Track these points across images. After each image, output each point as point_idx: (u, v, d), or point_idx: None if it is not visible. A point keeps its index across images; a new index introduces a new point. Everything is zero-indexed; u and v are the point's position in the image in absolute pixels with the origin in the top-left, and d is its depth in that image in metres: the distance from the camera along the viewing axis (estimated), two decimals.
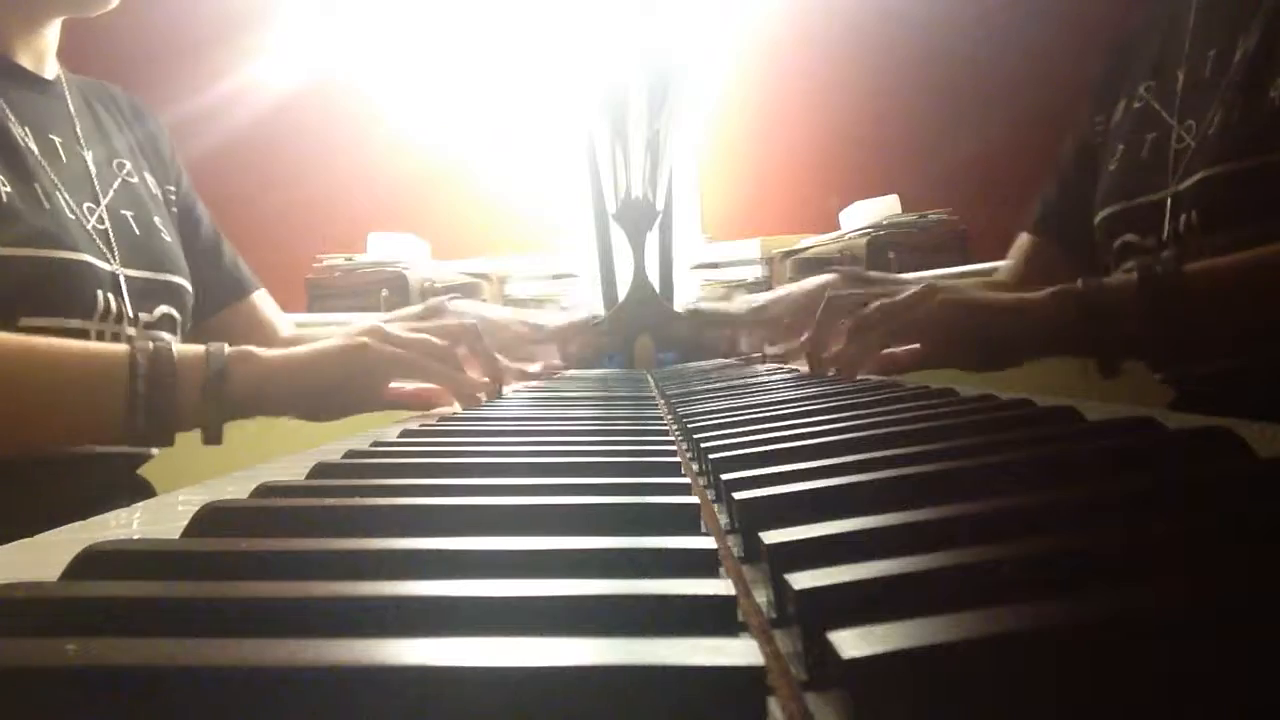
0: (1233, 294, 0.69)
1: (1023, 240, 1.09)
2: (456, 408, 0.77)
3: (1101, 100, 1.01)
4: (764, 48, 2.06)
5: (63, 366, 0.69)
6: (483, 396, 0.79)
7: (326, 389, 0.73)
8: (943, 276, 1.50)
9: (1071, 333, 0.72)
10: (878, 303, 0.78)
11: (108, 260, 0.85)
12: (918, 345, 0.81)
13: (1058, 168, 1.06)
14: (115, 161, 0.93)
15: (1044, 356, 0.76)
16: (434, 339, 0.78)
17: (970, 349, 0.76)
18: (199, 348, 0.71)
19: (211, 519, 0.30)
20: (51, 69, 0.92)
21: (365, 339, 0.75)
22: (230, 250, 1.06)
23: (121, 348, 0.70)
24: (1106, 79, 1.02)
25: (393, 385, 0.77)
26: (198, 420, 0.70)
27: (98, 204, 0.88)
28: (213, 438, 0.71)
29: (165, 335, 0.88)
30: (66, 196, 0.84)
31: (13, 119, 0.83)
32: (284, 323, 1.09)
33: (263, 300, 1.07)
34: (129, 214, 0.91)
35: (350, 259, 1.78)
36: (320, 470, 0.41)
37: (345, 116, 2.06)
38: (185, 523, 0.30)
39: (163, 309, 0.90)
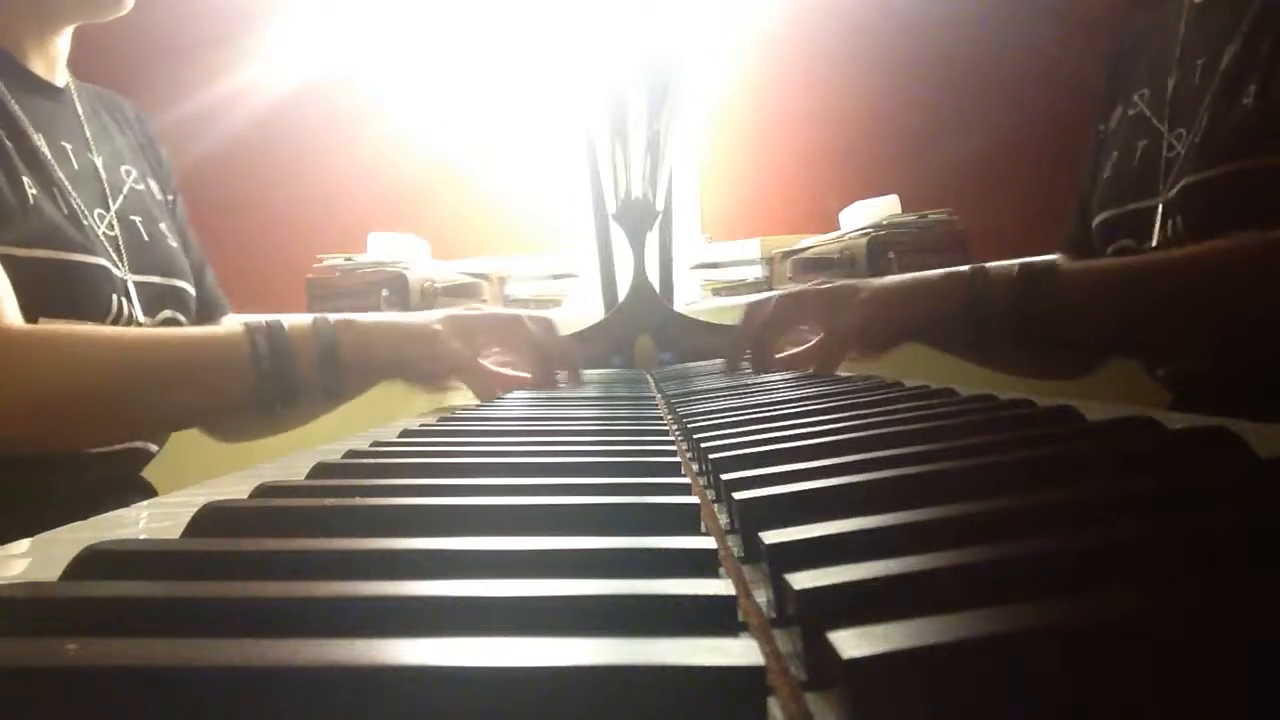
0: (1099, 295, 0.71)
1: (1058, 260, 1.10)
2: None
3: (1102, 109, 1.02)
4: (764, 48, 2.06)
5: (191, 351, 0.77)
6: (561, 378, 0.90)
7: (419, 355, 0.82)
8: None
9: (951, 313, 0.74)
10: (779, 294, 0.86)
11: (118, 266, 0.86)
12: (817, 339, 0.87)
13: (1076, 185, 1.07)
14: (123, 168, 0.94)
15: (927, 336, 0.79)
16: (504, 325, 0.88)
17: (866, 328, 0.80)
18: (305, 320, 0.79)
19: (211, 519, 0.30)
20: (62, 76, 0.93)
21: (443, 321, 0.83)
22: (211, 275, 1.08)
23: (236, 328, 0.77)
24: (1107, 86, 1.02)
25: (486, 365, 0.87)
26: (316, 383, 0.78)
27: (108, 210, 0.89)
28: (335, 394, 0.79)
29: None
30: (80, 202, 0.85)
31: (29, 125, 0.84)
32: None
33: (229, 321, 1.10)
34: (137, 219, 0.92)
35: (350, 259, 1.78)
36: (320, 470, 0.41)
37: (345, 116, 2.06)
38: (185, 523, 0.30)
39: (167, 312, 0.91)
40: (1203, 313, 0.68)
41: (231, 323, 1.10)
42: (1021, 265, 0.72)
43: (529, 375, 0.91)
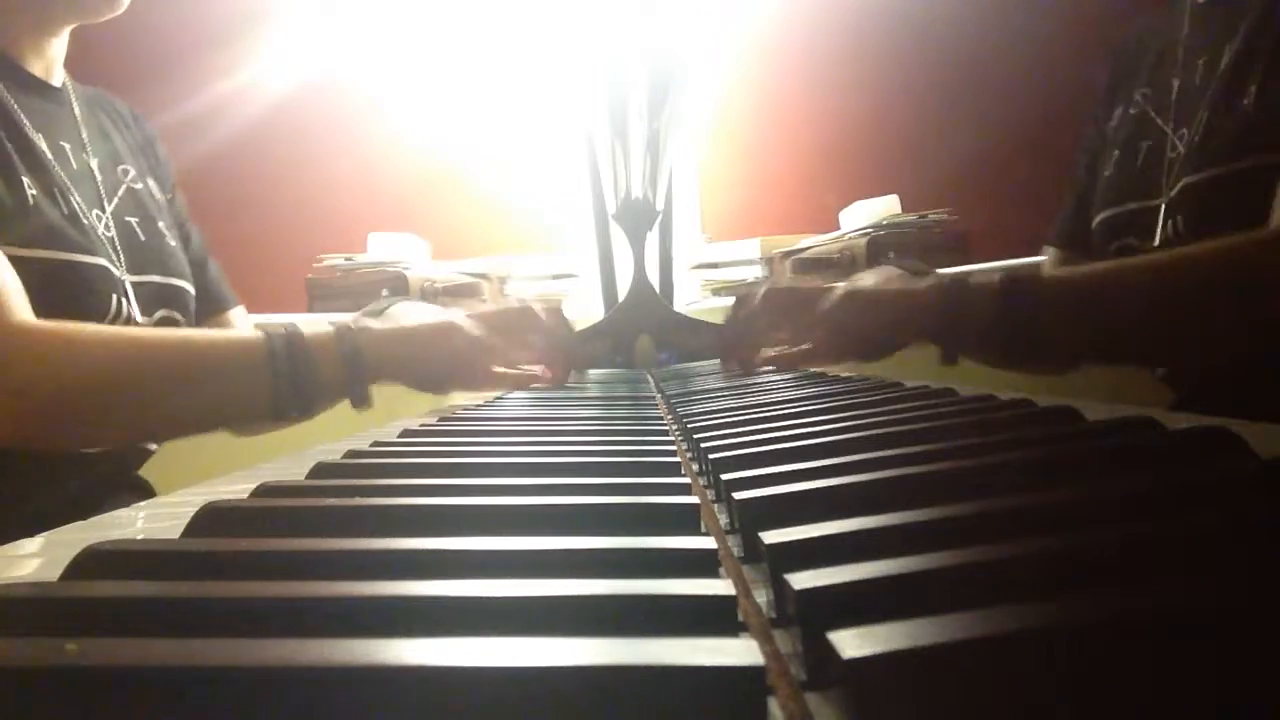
0: (1081, 304, 0.70)
1: (1051, 253, 1.10)
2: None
3: (1104, 107, 1.02)
4: (764, 48, 2.06)
5: (209, 356, 0.74)
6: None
7: (431, 359, 0.80)
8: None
9: (931, 321, 0.73)
10: (764, 290, 0.85)
11: (116, 266, 0.86)
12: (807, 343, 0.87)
13: (1071, 179, 1.07)
14: (120, 168, 0.94)
15: (910, 342, 0.78)
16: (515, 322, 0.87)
17: (854, 338, 0.80)
18: (324, 327, 0.76)
19: (211, 519, 0.30)
20: (59, 77, 0.93)
21: (454, 321, 0.82)
22: (216, 268, 1.07)
23: (255, 334, 0.74)
24: (1108, 85, 1.02)
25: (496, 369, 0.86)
26: (337, 391, 0.75)
27: (104, 210, 0.88)
28: (360, 401, 0.76)
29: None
30: (79, 202, 0.85)
31: (28, 125, 0.84)
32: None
33: (239, 316, 1.09)
34: (133, 220, 0.91)
35: (350, 259, 1.78)
36: (320, 470, 0.41)
37: (345, 116, 2.06)
38: (185, 523, 0.30)
39: (164, 312, 0.91)
40: (1192, 315, 0.67)
41: (246, 326, 1.10)
42: (1003, 277, 0.70)
43: (543, 374, 0.90)
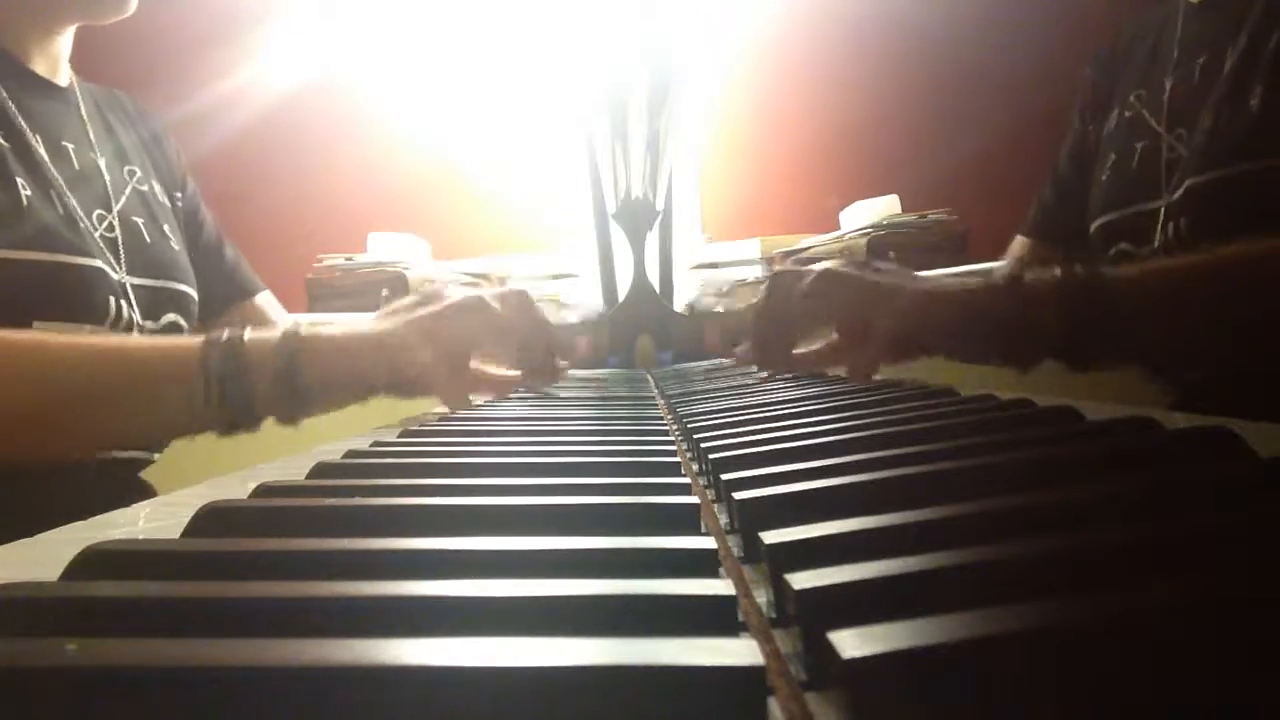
0: (1150, 302, 0.67)
1: (1018, 243, 1.09)
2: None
3: (1094, 107, 1.01)
4: (764, 48, 2.06)
5: (146, 366, 0.69)
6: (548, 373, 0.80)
7: (384, 374, 0.72)
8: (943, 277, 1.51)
9: (998, 327, 0.68)
10: (812, 276, 0.75)
11: (115, 268, 0.85)
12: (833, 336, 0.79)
13: (1053, 172, 1.07)
14: (126, 168, 0.94)
15: (964, 347, 0.72)
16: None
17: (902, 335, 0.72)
18: (270, 335, 0.70)
19: (211, 519, 0.30)
20: (65, 76, 0.92)
21: (401, 330, 0.73)
22: (233, 253, 1.06)
23: (193, 341, 0.69)
24: (1098, 86, 1.02)
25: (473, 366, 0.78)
26: (275, 406, 0.69)
27: (109, 211, 0.88)
28: (286, 418, 0.70)
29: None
30: (77, 204, 0.84)
31: (26, 126, 0.83)
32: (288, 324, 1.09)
33: (267, 302, 1.08)
34: (139, 220, 0.91)
35: (350, 259, 1.78)
36: (320, 470, 0.41)
37: (345, 116, 2.06)
38: (185, 523, 0.30)
39: (169, 317, 0.90)
40: (1267, 315, 0.64)
41: (277, 312, 1.09)
42: (1066, 277, 0.66)
43: (512, 375, 0.81)
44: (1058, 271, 0.67)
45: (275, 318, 1.08)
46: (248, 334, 0.68)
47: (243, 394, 0.67)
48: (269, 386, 0.68)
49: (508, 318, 0.76)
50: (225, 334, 0.68)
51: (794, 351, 0.83)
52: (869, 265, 0.79)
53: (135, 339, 0.72)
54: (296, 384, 0.68)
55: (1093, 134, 1.01)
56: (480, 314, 0.75)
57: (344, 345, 0.71)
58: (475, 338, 0.76)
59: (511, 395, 0.83)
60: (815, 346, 0.85)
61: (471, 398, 0.76)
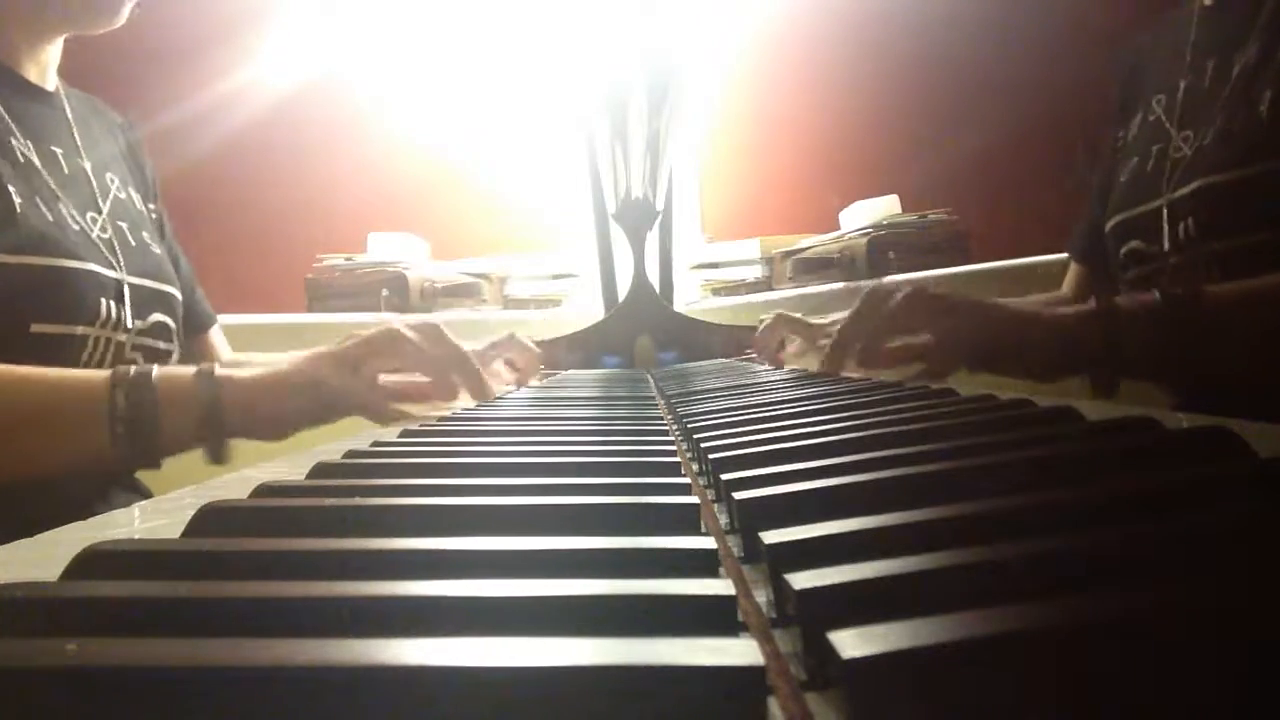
0: (1249, 320, 0.68)
1: (1073, 268, 1.09)
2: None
3: (1120, 116, 1.02)
4: (764, 48, 2.06)
5: (49, 399, 0.70)
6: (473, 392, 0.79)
7: (308, 409, 0.74)
8: (942, 277, 1.51)
9: (1089, 352, 0.70)
10: (908, 290, 0.77)
11: (113, 268, 0.85)
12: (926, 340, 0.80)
13: (1091, 196, 1.06)
14: (108, 174, 0.94)
15: (1060, 374, 0.73)
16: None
17: (993, 357, 0.74)
18: (183, 373, 0.71)
19: (211, 519, 0.30)
20: (52, 81, 0.93)
21: (319, 361, 0.75)
22: (198, 285, 1.07)
23: (100, 376, 0.70)
24: (1124, 95, 1.02)
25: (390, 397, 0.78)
26: (189, 441, 0.71)
27: (100, 213, 0.88)
28: (215, 455, 0.71)
29: (161, 344, 0.90)
30: (69, 206, 0.84)
31: (16, 131, 0.83)
32: (228, 353, 1.11)
33: (216, 334, 1.09)
34: (124, 225, 0.91)
35: (350, 259, 1.78)
36: (320, 470, 0.41)
37: (345, 116, 2.07)
38: (185, 523, 0.30)
39: (157, 316, 0.90)
40: None
41: (221, 341, 1.10)
42: (1159, 295, 0.68)
43: (422, 380, 0.82)
44: (1152, 297, 0.69)
45: (220, 348, 1.09)
46: (155, 372, 0.70)
47: (153, 430, 0.69)
48: (187, 421, 0.70)
49: (418, 341, 0.79)
50: (134, 372, 0.70)
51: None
52: (944, 287, 0.82)
53: (40, 371, 0.72)
54: (221, 422, 0.70)
55: (1120, 142, 1.01)
56: (391, 339, 0.78)
57: (259, 387, 0.73)
58: (384, 355, 0.78)
59: (511, 396, 0.84)
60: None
61: (398, 406, 0.77)
